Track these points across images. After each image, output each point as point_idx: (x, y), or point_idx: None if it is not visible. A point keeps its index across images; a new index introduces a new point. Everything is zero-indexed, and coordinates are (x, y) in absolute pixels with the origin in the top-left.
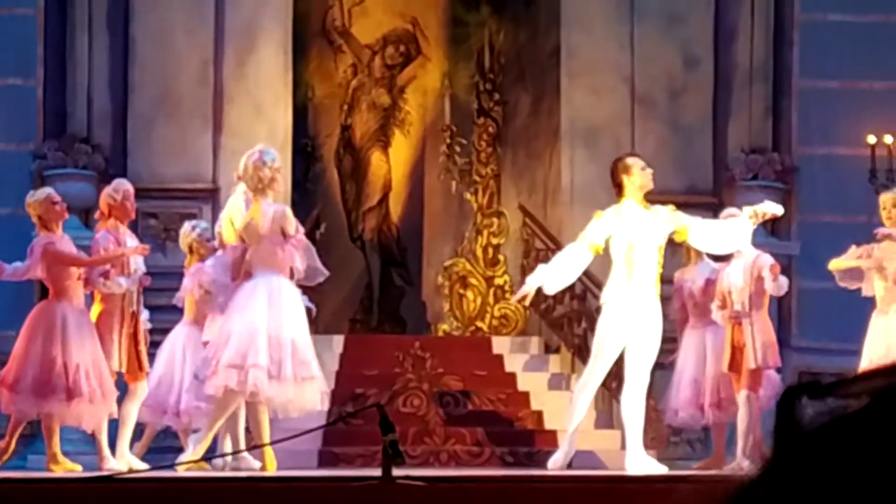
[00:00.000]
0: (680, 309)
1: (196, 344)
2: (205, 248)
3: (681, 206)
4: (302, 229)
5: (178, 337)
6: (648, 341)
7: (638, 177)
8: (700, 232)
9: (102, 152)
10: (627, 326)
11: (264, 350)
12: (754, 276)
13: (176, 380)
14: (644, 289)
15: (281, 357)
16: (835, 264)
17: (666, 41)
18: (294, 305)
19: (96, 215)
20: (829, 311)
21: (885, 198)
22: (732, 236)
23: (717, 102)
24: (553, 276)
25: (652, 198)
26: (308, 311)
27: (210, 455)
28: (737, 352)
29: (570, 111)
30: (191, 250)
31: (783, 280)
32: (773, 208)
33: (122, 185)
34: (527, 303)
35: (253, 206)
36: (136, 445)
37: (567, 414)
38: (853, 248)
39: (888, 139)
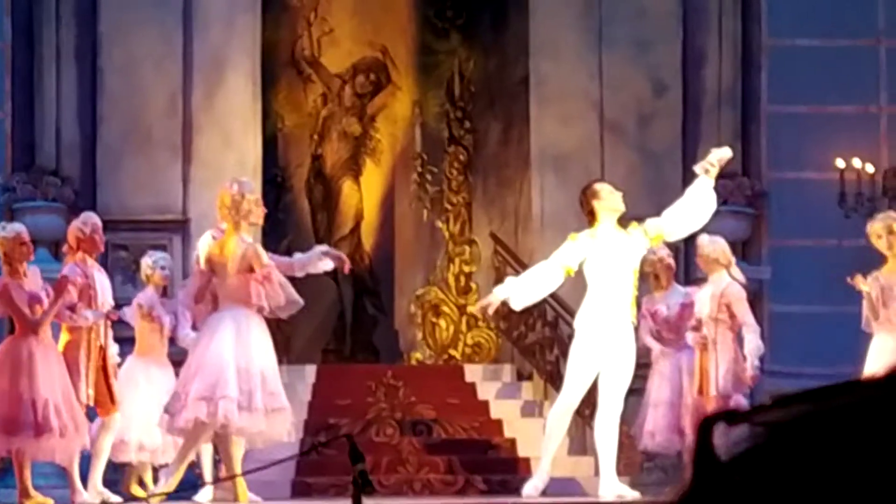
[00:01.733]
0: (652, 333)
1: (147, 376)
2: (159, 277)
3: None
4: (272, 264)
5: (126, 370)
6: (622, 366)
7: (608, 199)
8: (673, 224)
9: (71, 184)
10: (601, 351)
11: (234, 381)
12: (721, 305)
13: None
14: (618, 313)
15: (251, 388)
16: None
17: (634, 68)
18: (262, 337)
19: (65, 248)
20: (800, 335)
21: (876, 227)
22: (700, 202)
23: (686, 128)
24: (521, 290)
25: (622, 223)
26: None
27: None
28: (704, 377)
29: (539, 139)
30: (147, 280)
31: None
32: (721, 154)
33: (91, 218)
34: (490, 312)
35: (226, 239)
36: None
37: (541, 441)
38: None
39: (857, 163)
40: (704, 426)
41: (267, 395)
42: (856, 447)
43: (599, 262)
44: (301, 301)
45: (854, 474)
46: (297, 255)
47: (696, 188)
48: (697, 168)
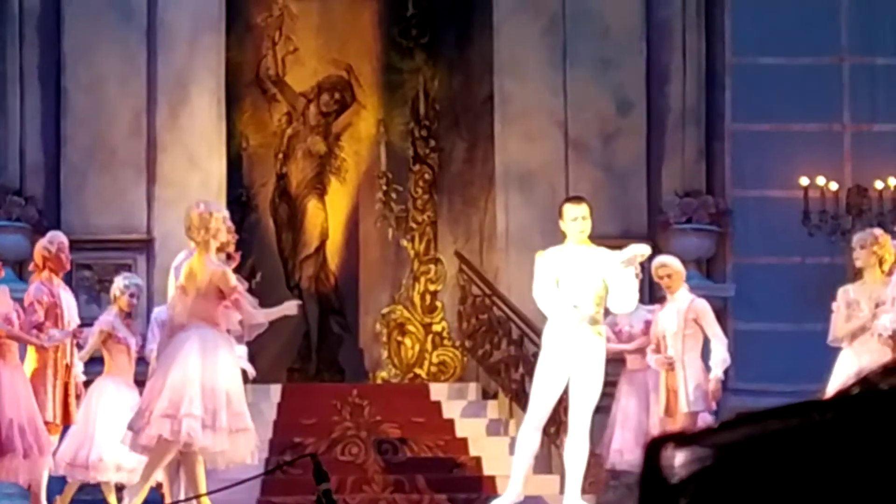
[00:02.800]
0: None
1: (118, 397)
2: (125, 302)
3: (616, 251)
4: (241, 286)
5: (93, 391)
6: (590, 383)
7: (566, 225)
8: (612, 292)
9: (36, 204)
10: (567, 368)
11: (198, 400)
12: (688, 320)
13: (88, 433)
14: (584, 329)
15: (215, 407)
16: (841, 331)
17: (599, 85)
18: (228, 357)
19: (31, 267)
20: (765, 353)
21: (855, 240)
22: (622, 294)
23: (650, 146)
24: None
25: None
26: (244, 372)
27: None
28: (671, 396)
29: (504, 157)
30: (114, 300)
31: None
32: (637, 250)
33: (57, 237)
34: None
35: (195, 259)
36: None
37: (507, 459)
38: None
39: (821, 181)
40: (652, 448)
41: (232, 415)
42: (802, 471)
43: (565, 279)
44: (266, 323)
45: (799, 498)
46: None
47: (619, 280)
48: (621, 262)
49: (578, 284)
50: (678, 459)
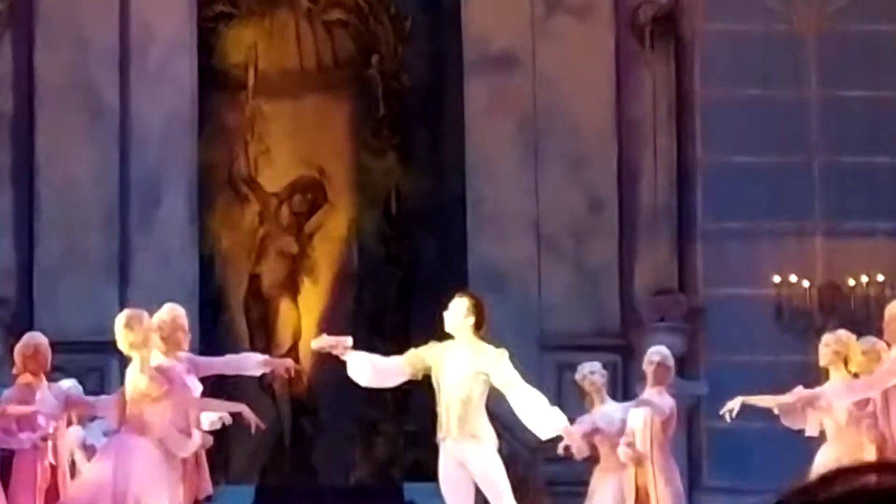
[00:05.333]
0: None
1: None
2: (81, 406)
3: (589, 349)
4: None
5: None
6: (487, 472)
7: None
8: (519, 407)
9: (8, 307)
10: (458, 466)
11: None
12: (656, 418)
13: None
14: (465, 425)
15: None
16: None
17: (570, 185)
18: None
19: (14, 370)
20: (738, 452)
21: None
22: (542, 421)
23: (622, 244)
24: (364, 367)
25: (561, 342)
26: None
27: None
28: (641, 492)
29: (476, 257)
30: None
31: None
32: (576, 441)
33: (33, 339)
34: (324, 349)
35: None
36: None
37: None
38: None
39: (793, 279)
40: None
41: None
42: None
43: (444, 374)
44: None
45: None
46: (233, 357)
47: (551, 415)
48: (565, 427)
49: (455, 379)
50: None
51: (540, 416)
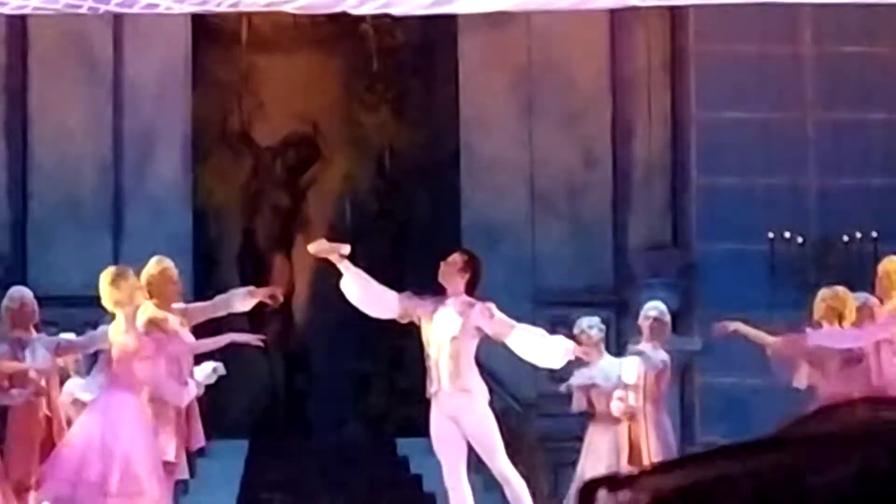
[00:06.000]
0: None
1: None
2: (74, 349)
3: (583, 305)
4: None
5: None
6: (478, 429)
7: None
8: (519, 346)
9: (2, 262)
10: (449, 421)
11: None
12: (650, 372)
13: None
14: (455, 380)
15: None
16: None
17: (565, 140)
18: (136, 420)
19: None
20: (731, 407)
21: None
22: (548, 352)
23: (616, 200)
24: (359, 287)
25: (554, 298)
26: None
27: None
28: (634, 447)
29: (470, 211)
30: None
31: None
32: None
33: (17, 292)
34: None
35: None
36: None
37: None
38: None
39: (787, 234)
40: (586, 490)
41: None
42: None
43: (434, 330)
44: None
45: None
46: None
47: (555, 342)
48: (565, 342)
49: (445, 336)
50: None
51: (545, 349)
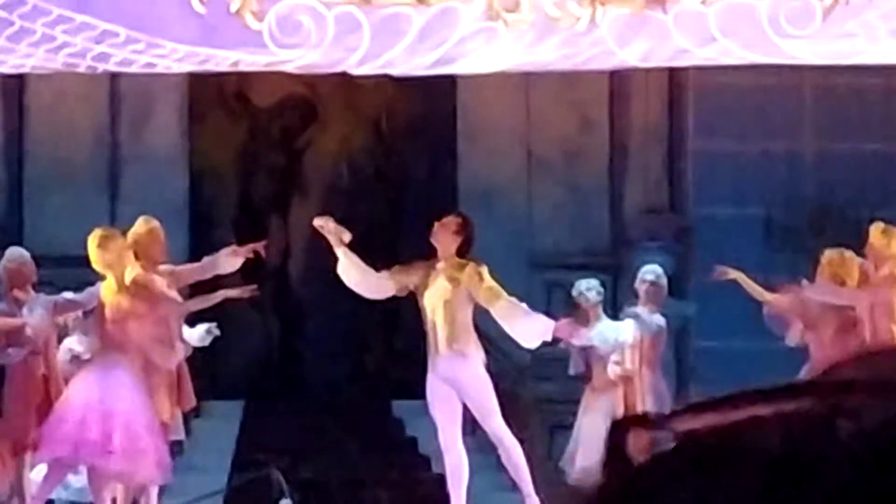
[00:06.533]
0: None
1: None
2: (70, 307)
3: (579, 268)
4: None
5: None
6: (474, 393)
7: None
8: (505, 320)
9: None
10: (444, 384)
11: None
12: (645, 335)
13: None
14: (450, 344)
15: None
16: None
17: (562, 104)
18: (132, 380)
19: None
20: (727, 371)
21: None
22: (528, 329)
23: (613, 164)
24: (352, 269)
25: (550, 261)
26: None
27: None
28: (630, 410)
29: (467, 174)
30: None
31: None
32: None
33: (14, 252)
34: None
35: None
36: None
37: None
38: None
39: (783, 198)
40: (618, 429)
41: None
42: (765, 459)
43: (429, 294)
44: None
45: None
46: (207, 259)
47: (538, 322)
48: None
49: (438, 301)
50: (643, 442)
51: (524, 326)
